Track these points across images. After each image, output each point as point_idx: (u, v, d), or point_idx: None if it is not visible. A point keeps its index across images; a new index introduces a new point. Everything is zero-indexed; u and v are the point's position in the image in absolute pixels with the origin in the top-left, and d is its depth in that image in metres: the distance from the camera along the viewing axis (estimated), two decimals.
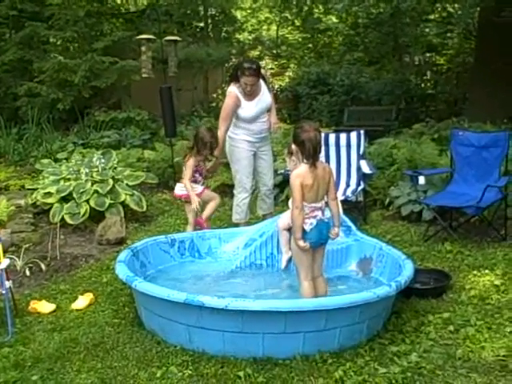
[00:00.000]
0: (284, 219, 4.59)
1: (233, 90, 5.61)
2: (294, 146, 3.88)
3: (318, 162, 3.80)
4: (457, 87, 15.84)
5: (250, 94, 5.60)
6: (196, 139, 5.58)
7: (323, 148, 6.79)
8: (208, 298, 3.50)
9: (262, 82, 5.71)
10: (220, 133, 5.64)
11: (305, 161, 3.77)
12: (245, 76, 5.43)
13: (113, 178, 6.83)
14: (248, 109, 5.64)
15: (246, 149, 5.75)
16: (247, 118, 5.67)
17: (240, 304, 3.47)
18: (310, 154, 3.74)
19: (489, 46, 11.60)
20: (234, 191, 5.95)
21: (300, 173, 3.77)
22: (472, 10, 10.94)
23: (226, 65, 17.19)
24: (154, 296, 3.69)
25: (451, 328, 3.87)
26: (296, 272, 4.05)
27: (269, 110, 5.86)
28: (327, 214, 3.96)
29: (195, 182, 5.62)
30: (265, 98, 5.75)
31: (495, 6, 10.36)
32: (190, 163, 5.53)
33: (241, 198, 5.87)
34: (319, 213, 3.85)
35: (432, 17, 16.52)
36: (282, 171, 6.91)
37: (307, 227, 3.81)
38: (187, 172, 5.53)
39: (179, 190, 5.73)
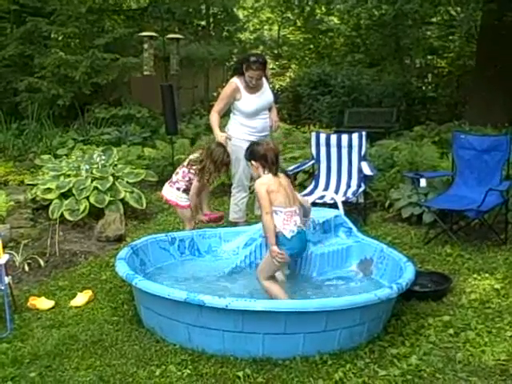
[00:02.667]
0: None
1: (235, 80, 5.67)
2: (253, 162, 4.09)
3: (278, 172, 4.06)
4: (458, 90, 15.84)
5: (253, 88, 5.63)
6: (212, 160, 5.16)
7: (324, 148, 6.83)
8: (208, 297, 3.49)
9: (263, 78, 5.73)
10: (211, 117, 5.71)
11: (266, 172, 4.02)
12: (251, 70, 5.49)
13: (113, 175, 6.81)
14: (249, 102, 5.66)
15: None
16: (248, 112, 5.67)
17: (240, 304, 3.46)
18: (273, 163, 4.01)
19: (490, 50, 11.60)
20: (233, 190, 5.95)
21: (263, 181, 3.99)
22: (474, 13, 10.93)
23: (227, 64, 17.17)
24: (153, 294, 3.67)
25: (451, 331, 3.86)
26: (257, 274, 4.10)
27: (270, 108, 5.87)
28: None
29: (187, 193, 5.34)
30: (267, 93, 5.79)
31: (497, 10, 10.36)
32: (195, 185, 5.25)
33: (239, 197, 5.87)
34: (297, 218, 3.99)
35: (434, 19, 16.52)
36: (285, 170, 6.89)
37: (288, 233, 3.92)
38: (193, 192, 5.27)
39: (169, 193, 5.42)
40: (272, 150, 4.05)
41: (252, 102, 5.68)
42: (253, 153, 4.11)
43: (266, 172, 4.02)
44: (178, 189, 5.34)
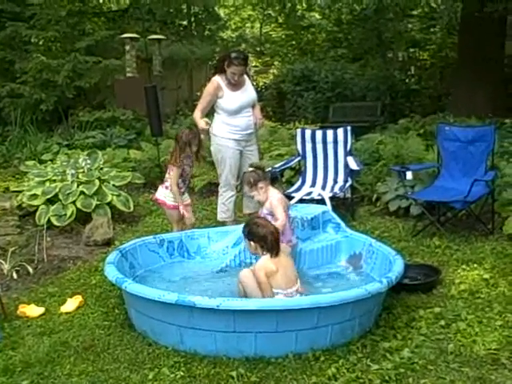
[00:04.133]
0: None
1: (216, 78, 5.69)
2: (252, 243, 3.94)
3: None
4: (441, 82, 15.90)
5: (235, 84, 5.65)
6: (176, 141, 5.33)
7: (310, 145, 6.84)
8: (199, 298, 3.48)
9: (245, 75, 5.77)
10: (195, 115, 5.70)
11: (265, 253, 3.88)
12: (233, 65, 5.52)
13: (99, 178, 6.78)
14: (232, 99, 5.66)
15: (232, 148, 5.73)
16: (231, 109, 5.67)
17: (232, 303, 3.46)
18: (274, 246, 3.86)
19: (472, 41, 11.65)
20: (220, 190, 5.94)
21: (261, 264, 3.86)
22: (454, 5, 10.97)
23: (210, 63, 17.12)
24: (144, 297, 3.66)
25: (442, 323, 3.88)
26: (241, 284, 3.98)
27: (253, 106, 5.86)
28: None
29: (181, 193, 5.36)
30: (249, 90, 5.82)
31: (478, 1, 10.41)
32: (175, 173, 5.24)
33: (227, 196, 5.86)
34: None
35: (415, 12, 16.57)
36: (270, 169, 6.88)
37: None
38: (173, 182, 5.26)
39: (159, 192, 5.46)
40: (272, 233, 3.87)
41: (235, 99, 5.68)
42: (251, 233, 3.94)
43: (264, 253, 3.89)
44: (167, 187, 5.34)
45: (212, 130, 5.81)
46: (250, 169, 4.69)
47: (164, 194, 5.37)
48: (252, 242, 3.94)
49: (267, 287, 3.78)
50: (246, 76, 5.81)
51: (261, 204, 4.64)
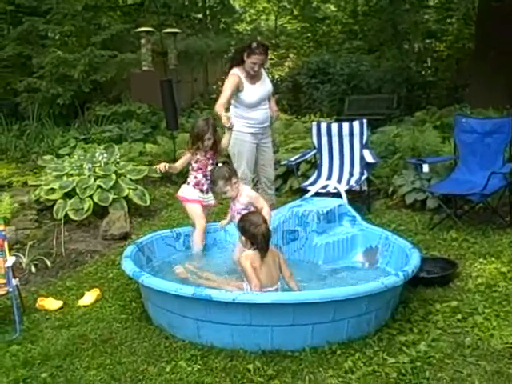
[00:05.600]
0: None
1: (235, 71, 5.52)
2: (243, 238, 3.95)
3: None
4: (457, 73, 15.76)
5: (253, 76, 5.54)
6: (191, 134, 5.01)
7: (326, 138, 6.82)
8: (216, 292, 3.51)
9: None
10: (217, 109, 5.28)
11: (253, 249, 3.87)
12: (255, 55, 5.39)
13: (116, 172, 6.82)
14: (251, 92, 5.55)
15: (249, 142, 5.65)
16: (251, 102, 5.55)
17: (248, 297, 3.48)
18: (263, 247, 3.86)
19: (489, 32, 11.53)
20: None
21: (249, 254, 3.86)
22: None
23: (226, 56, 17.13)
24: (161, 291, 3.68)
25: (459, 316, 3.87)
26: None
27: (269, 98, 5.81)
28: None
29: (200, 190, 4.92)
30: (266, 83, 5.74)
31: None
32: (185, 157, 5.02)
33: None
34: None
35: (431, 3, 16.43)
36: (285, 162, 6.89)
37: None
38: (179, 162, 5.07)
39: (181, 190, 5.03)
40: (263, 234, 3.84)
41: (255, 92, 5.58)
42: (244, 229, 3.95)
43: (253, 249, 3.88)
44: (188, 183, 4.95)
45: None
46: (220, 164, 4.64)
47: (185, 189, 4.96)
48: (243, 237, 3.97)
49: (253, 275, 3.78)
50: (262, 68, 5.73)
51: (231, 200, 4.61)
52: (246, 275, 3.84)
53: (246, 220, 4.01)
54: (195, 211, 4.90)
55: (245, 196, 4.54)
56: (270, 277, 3.88)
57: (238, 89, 5.52)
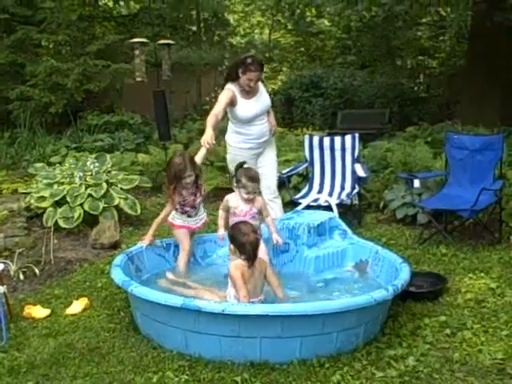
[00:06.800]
0: None
1: (230, 86, 5.32)
2: (232, 246, 3.95)
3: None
4: (449, 90, 15.90)
5: (249, 92, 5.33)
6: (167, 174, 4.71)
7: (318, 151, 6.84)
8: (205, 303, 3.49)
9: (259, 82, 5.48)
10: (208, 117, 5.05)
11: (242, 258, 3.84)
12: (250, 71, 5.16)
13: (107, 181, 6.80)
14: (246, 108, 5.34)
15: (248, 156, 5.38)
16: (246, 117, 5.37)
17: (237, 308, 3.46)
18: (251, 256, 3.82)
19: (481, 50, 11.66)
20: None
21: (239, 264, 3.84)
22: (464, 13, 10.98)
23: (219, 68, 17.20)
24: (150, 301, 3.67)
25: (448, 331, 3.86)
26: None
27: (268, 112, 5.63)
28: None
29: (188, 215, 4.80)
30: (263, 97, 5.52)
31: (487, 10, 10.41)
32: (165, 210, 4.85)
33: None
34: None
35: (424, 20, 16.58)
36: (278, 174, 6.88)
37: None
38: (160, 216, 4.91)
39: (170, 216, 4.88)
40: (251, 243, 3.81)
41: (249, 107, 5.36)
42: (233, 238, 3.93)
43: (241, 258, 3.83)
44: (176, 210, 4.80)
45: (227, 139, 5.62)
46: (246, 165, 4.65)
47: (172, 215, 4.84)
48: (232, 245, 3.96)
49: (242, 284, 3.75)
50: (259, 82, 5.49)
51: (248, 202, 4.54)
52: (234, 284, 3.82)
53: (235, 228, 4.00)
54: (179, 236, 4.85)
55: (259, 200, 4.59)
56: (254, 288, 3.87)
57: (232, 103, 5.32)
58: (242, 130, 5.45)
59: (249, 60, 5.24)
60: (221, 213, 4.70)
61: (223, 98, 5.27)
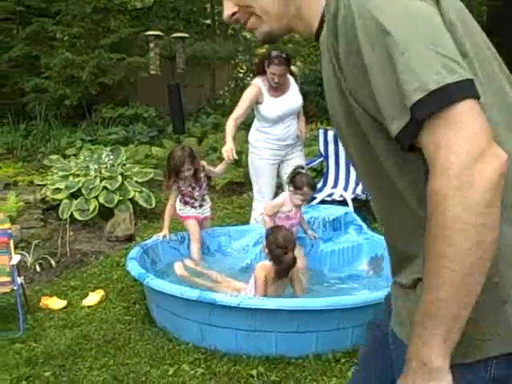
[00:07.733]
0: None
1: (256, 81, 5.09)
2: (267, 250, 3.84)
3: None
4: None
5: (277, 89, 5.05)
6: (167, 166, 4.77)
7: (333, 146, 6.83)
8: (221, 296, 3.50)
9: (291, 78, 5.23)
10: (227, 123, 4.96)
11: (273, 266, 3.76)
12: (273, 65, 4.92)
13: (122, 174, 6.82)
14: (272, 107, 5.06)
15: (267, 159, 5.21)
16: (271, 117, 5.09)
17: (253, 302, 3.47)
18: (283, 272, 3.76)
19: (498, 42, 11.57)
20: (253, 204, 5.43)
21: (267, 266, 3.78)
22: (481, 8, 10.94)
23: (233, 62, 17.19)
24: (166, 293, 3.68)
25: None
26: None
27: (298, 114, 5.34)
28: None
29: (191, 206, 4.86)
30: (293, 97, 5.20)
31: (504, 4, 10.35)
32: (170, 199, 4.89)
33: (260, 212, 5.03)
34: None
35: None
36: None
37: None
38: (167, 207, 4.91)
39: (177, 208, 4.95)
40: (287, 263, 3.71)
41: (275, 106, 5.06)
42: (271, 245, 3.78)
43: (272, 264, 3.77)
44: (180, 200, 4.89)
45: (250, 137, 5.39)
46: (303, 170, 4.61)
47: (178, 206, 4.90)
48: (267, 250, 3.83)
49: (262, 289, 3.69)
50: (292, 80, 5.22)
51: (297, 207, 4.51)
52: (255, 283, 3.77)
53: (277, 235, 3.82)
54: (188, 227, 4.90)
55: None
56: (276, 289, 3.83)
57: (257, 101, 5.06)
58: (266, 128, 5.19)
59: (274, 53, 5.01)
60: (267, 219, 4.52)
61: (247, 95, 5.07)
